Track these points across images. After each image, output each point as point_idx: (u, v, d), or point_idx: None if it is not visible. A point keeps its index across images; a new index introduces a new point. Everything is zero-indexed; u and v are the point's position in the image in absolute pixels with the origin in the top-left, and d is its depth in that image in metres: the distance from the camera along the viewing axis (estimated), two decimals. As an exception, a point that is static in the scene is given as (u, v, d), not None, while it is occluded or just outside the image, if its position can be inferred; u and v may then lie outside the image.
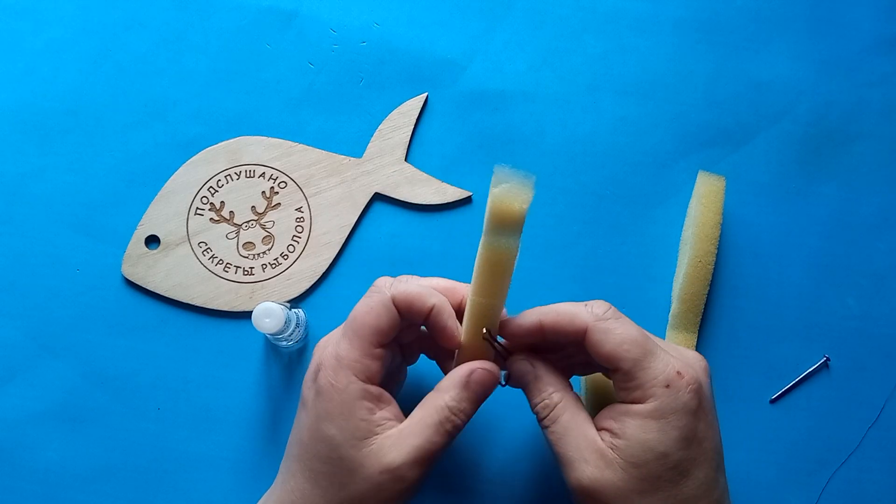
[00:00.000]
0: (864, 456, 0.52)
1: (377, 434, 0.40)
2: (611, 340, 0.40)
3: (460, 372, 0.42)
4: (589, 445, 0.40)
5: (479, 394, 0.42)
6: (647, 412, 0.39)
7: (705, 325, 0.53)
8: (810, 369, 0.53)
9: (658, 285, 0.54)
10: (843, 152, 0.56)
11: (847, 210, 0.55)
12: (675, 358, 0.40)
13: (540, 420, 0.42)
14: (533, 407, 0.42)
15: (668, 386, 0.39)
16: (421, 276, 0.45)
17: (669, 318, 0.52)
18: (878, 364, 0.53)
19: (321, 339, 0.44)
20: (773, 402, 0.53)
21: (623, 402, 0.40)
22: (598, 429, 0.41)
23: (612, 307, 0.42)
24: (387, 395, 0.42)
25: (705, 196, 0.52)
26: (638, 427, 0.39)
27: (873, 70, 0.56)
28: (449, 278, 0.45)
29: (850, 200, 0.55)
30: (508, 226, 0.40)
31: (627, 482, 0.39)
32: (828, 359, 0.53)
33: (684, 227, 0.54)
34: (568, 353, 0.45)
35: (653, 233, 0.55)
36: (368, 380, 0.41)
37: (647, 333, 0.41)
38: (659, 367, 0.39)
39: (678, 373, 0.39)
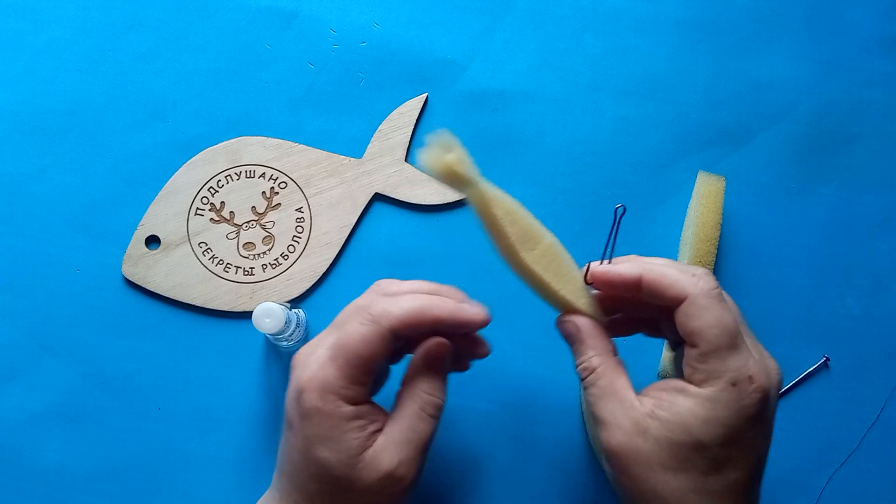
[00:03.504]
0: (864, 456, 0.52)
1: (368, 447, 0.40)
2: (704, 319, 0.38)
3: (416, 356, 0.42)
4: (624, 411, 0.39)
5: (440, 367, 0.42)
6: (703, 398, 0.38)
7: (705, 325, 0.53)
8: (810, 369, 0.53)
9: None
10: (843, 152, 0.56)
11: (847, 210, 0.55)
12: (755, 361, 0.39)
13: (581, 381, 0.42)
14: (576, 367, 0.42)
15: (734, 384, 0.38)
16: (421, 276, 0.44)
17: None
18: (878, 364, 0.53)
19: (300, 351, 0.43)
20: (773, 402, 0.53)
21: (685, 378, 0.39)
22: (647, 396, 0.40)
23: (718, 285, 0.40)
24: (373, 406, 0.42)
25: (705, 196, 0.52)
26: (687, 408, 0.38)
27: (873, 70, 0.56)
28: (445, 279, 0.45)
29: (850, 200, 0.55)
30: (454, 180, 0.41)
31: (656, 454, 0.38)
32: (828, 359, 0.53)
33: (684, 228, 0.54)
34: (643, 310, 0.43)
35: (653, 233, 0.55)
36: (356, 402, 0.40)
37: (742, 325, 0.40)
38: (736, 364, 0.38)
39: (750, 377, 0.38)
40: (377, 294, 0.43)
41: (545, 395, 0.53)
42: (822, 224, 0.55)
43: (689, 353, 0.39)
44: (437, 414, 0.42)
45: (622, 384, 0.40)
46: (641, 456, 0.38)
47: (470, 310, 0.42)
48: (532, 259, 0.42)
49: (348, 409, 0.40)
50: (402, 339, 0.41)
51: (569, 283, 0.42)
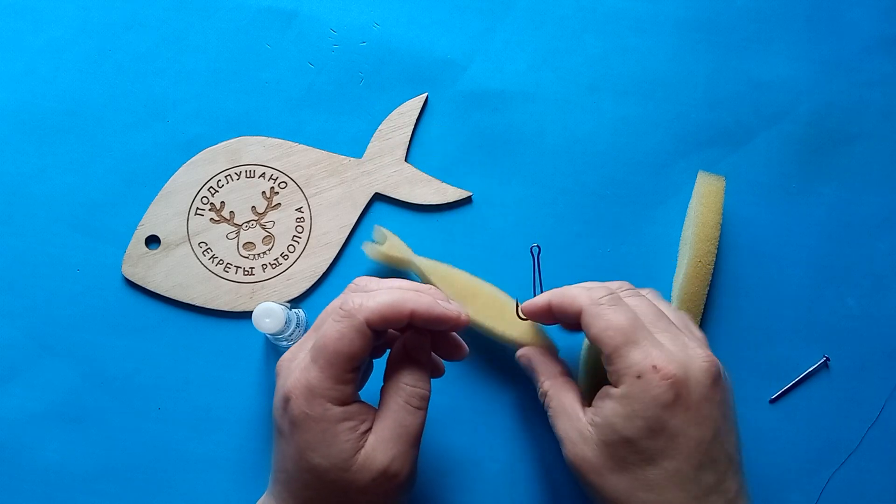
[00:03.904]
0: (864, 456, 0.52)
1: (360, 448, 0.40)
2: (597, 325, 0.42)
3: (395, 349, 0.43)
4: (573, 426, 0.43)
5: (420, 357, 0.43)
6: (618, 396, 0.41)
7: (705, 325, 0.53)
8: (810, 369, 0.53)
9: (658, 285, 0.54)
10: (843, 152, 0.56)
11: (847, 210, 0.55)
12: (660, 351, 0.41)
13: (543, 404, 0.46)
14: (538, 391, 0.47)
15: (639, 377, 0.40)
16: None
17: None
18: (878, 364, 0.53)
19: (283, 358, 0.43)
20: (772, 402, 0.53)
21: (610, 379, 0.42)
22: (591, 406, 0.43)
23: (618, 292, 0.44)
24: (361, 405, 0.41)
25: (705, 196, 0.52)
26: (611, 409, 0.41)
27: (873, 70, 0.56)
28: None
29: (850, 200, 0.55)
30: (395, 263, 0.53)
31: (599, 458, 0.41)
32: (828, 359, 0.53)
33: (684, 227, 0.54)
34: (574, 329, 0.47)
35: (653, 233, 0.55)
36: (343, 402, 0.40)
37: (642, 324, 0.42)
38: (635, 358, 0.41)
39: (654, 366, 0.40)
40: (352, 292, 0.43)
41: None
42: (822, 224, 0.55)
43: (602, 358, 0.43)
44: (423, 405, 0.42)
45: (570, 400, 0.44)
46: (589, 463, 0.42)
47: (447, 305, 0.43)
48: (472, 312, 0.50)
49: (336, 410, 0.40)
50: (381, 334, 0.42)
51: (512, 322, 0.50)
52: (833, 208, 0.55)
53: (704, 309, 0.53)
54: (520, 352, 0.49)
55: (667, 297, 0.54)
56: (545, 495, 0.52)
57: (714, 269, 0.52)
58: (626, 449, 0.40)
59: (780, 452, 0.52)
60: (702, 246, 0.51)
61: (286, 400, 0.40)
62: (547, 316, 0.46)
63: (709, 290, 0.52)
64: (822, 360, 0.53)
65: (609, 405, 0.41)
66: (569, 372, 0.47)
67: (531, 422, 0.53)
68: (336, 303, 0.42)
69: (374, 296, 0.41)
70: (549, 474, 0.52)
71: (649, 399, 0.40)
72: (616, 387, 0.41)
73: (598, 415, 0.42)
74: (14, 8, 0.57)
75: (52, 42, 0.56)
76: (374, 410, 0.42)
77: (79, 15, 0.57)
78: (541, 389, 0.46)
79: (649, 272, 0.54)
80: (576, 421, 0.43)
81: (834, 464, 0.52)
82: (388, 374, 0.43)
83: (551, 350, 0.49)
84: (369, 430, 0.41)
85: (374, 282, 0.43)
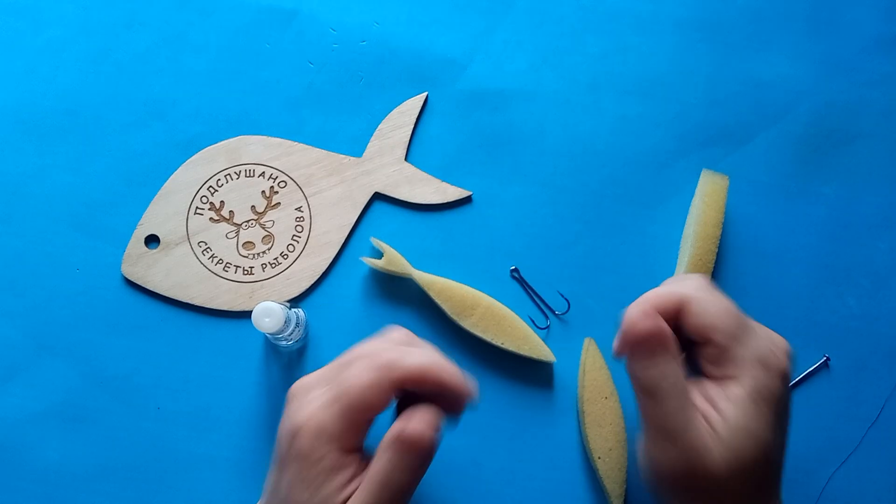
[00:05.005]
0: (864, 456, 0.52)
1: (347, 499, 0.38)
2: (709, 312, 0.38)
3: (393, 430, 0.38)
4: (693, 430, 0.38)
5: (411, 459, 0.38)
6: (747, 395, 0.37)
7: (705, 325, 0.53)
8: (810, 369, 0.53)
9: (658, 284, 0.54)
10: (843, 152, 0.56)
11: (847, 210, 0.55)
12: (763, 338, 0.39)
13: (647, 393, 0.39)
14: (642, 376, 0.40)
15: (762, 364, 0.37)
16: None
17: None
18: (878, 364, 0.53)
19: (298, 385, 0.41)
20: (773, 401, 0.53)
21: (713, 378, 0.38)
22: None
23: (704, 277, 0.41)
24: (362, 457, 0.39)
25: (708, 195, 0.52)
26: (738, 411, 0.37)
27: (873, 70, 0.56)
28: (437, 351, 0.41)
29: (850, 200, 0.55)
30: (394, 273, 0.53)
31: (723, 468, 0.37)
32: (828, 359, 0.53)
33: (686, 226, 0.54)
34: None
35: (653, 232, 0.55)
36: (349, 450, 0.38)
37: (740, 309, 0.40)
38: (754, 344, 0.38)
39: (771, 352, 0.38)
40: (388, 341, 0.41)
41: (545, 395, 0.53)
42: (822, 224, 0.55)
43: (706, 353, 0.39)
44: (409, 487, 0.39)
45: (690, 402, 0.39)
46: (710, 474, 0.38)
47: (470, 385, 0.40)
48: (470, 324, 0.51)
49: (336, 458, 0.38)
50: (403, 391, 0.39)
51: (511, 335, 0.51)
52: (833, 208, 0.55)
53: (704, 309, 0.53)
54: (637, 316, 0.40)
55: (667, 296, 0.54)
56: (545, 495, 0.52)
57: (714, 268, 0.52)
58: (755, 449, 0.37)
59: (780, 452, 0.52)
60: (703, 244, 0.51)
61: (295, 433, 0.38)
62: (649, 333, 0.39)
63: (709, 290, 0.52)
64: (822, 360, 0.53)
65: (736, 408, 0.37)
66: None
67: (531, 422, 0.53)
68: (369, 348, 0.40)
69: (411, 353, 0.39)
70: (549, 474, 0.52)
71: (775, 389, 0.37)
72: (735, 379, 0.37)
73: (722, 421, 0.37)
74: (14, 8, 0.57)
75: (52, 42, 0.56)
76: (365, 463, 0.39)
77: (79, 15, 0.57)
78: (654, 375, 0.39)
79: (649, 272, 0.54)
80: (698, 426, 0.38)
81: (834, 464, 0.52)
82: (380, 445, 0.39)
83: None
84: (356, 487, 0.38)
85: (410, 336, 0.41)
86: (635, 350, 0.40)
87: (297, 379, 0.41)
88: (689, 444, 0.37)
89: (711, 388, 0.38)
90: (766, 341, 0.38)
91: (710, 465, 0.37)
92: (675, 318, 0.40)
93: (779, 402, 0.38)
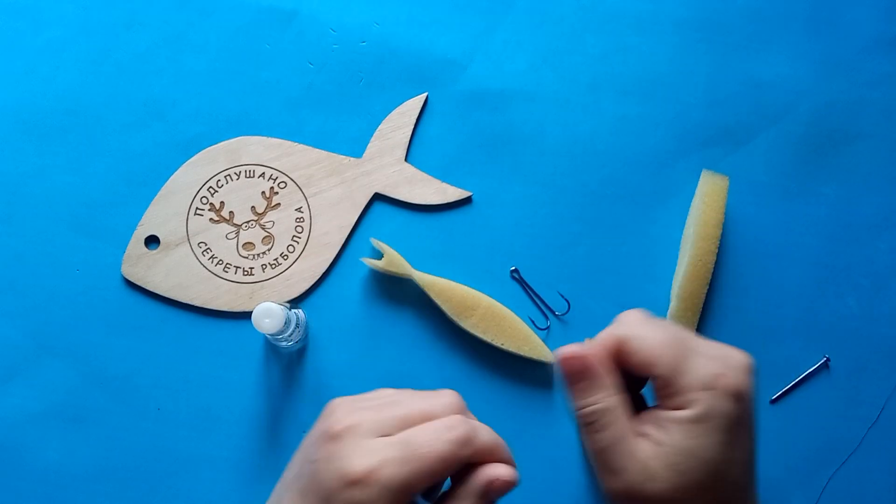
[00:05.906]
0: (864, 456, 0.52)
1: None
2: (646, 346, 0.39)
3: (479, 479, 0.38)
4: (633, 457, 0.38)
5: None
6: (692, 418, 0.38)
7: (705, 325, 0.53)
8: (810, 369, 0.53)
9: (658, 285, 0.54)
10: (843, 152, 0.56)
11: (847, 210, 0.55)
12: (713, 359, 0.39)
13: (585, 425, 0.40)
14: (578, 409, 0.40)
15: (708, 389, 0.37)
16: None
17: (668, 317, 0.52)
18: (878, 364, 0.53)
19: (351, 418, 0.38)
20: (773, 402, 0.53)
21: (664, 408, 0.39)
22: (636, 435, 0.39)
23: (643, 312, 0.41)
24: None
25: (708, 195, 0.52)
26: (683, 434, 0.38)
27: (873, 70, 0.56)
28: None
29: (850, 200, 0.55)
30: (395, 274, 0.53)
31: (668, 490, 0.38)
32: (828, 359, 0.53)
33: (686, 226, 0.54)
34: None
35: (653, 233, 0.55)
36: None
37: (685, 334, 0.40)
38: (699, 370, 0.38)
39: (715, 374, 0.38)
40: (445, 407, 0.39)
41: (545, 395, 0.53)
42: (822, 224, 0.55)
43: (654, 385, 0.39)
44: None
45: (628, 427, 0.39)
46: (657, 496, 0.38)
47: (515, 472, 0.39)
48: (470, 325, 0.52)
49: None
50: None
51: (511, 335, 0.52)
52: (833, 208, 0.55)
53: (704, 308, 0.53)
54: (566, 353, 0.40)
55: (666, 295, 0.54)
56: (545, 495, 0.52)
57: (714, 268, 0.52)
58: (702, 472, 0.37)
59: (780, 452, 0.52)
60: (703, 244, 0.51)
61: (351, 481, 0.36)
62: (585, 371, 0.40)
63: (709, 290, 0.52)
64: (822, 360, 0.53)
65: (679, 430, 0.38)
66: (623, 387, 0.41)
67: (531, 422, 0.53)
68: (430, 406, 0.39)
69: (482, 432, 0.38)
70: (549, 474, 0.52)
71: (723, 411, 0.37)
72: (681, 408, 0.38)
73: (664, 444, 0.38)
74: (14, 8, 0.57)
75: (52, 42, 0.56)
76: None
77: (79, 15, 0.57)
78: (589, 407, 0.40)
79: (649, 272, 0.54)
80: (637, 452, 0.38)
81: (834, 464, 0.52)
82: (458, 494, 0.38)
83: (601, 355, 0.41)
84: None
85: (461, 402, 0.41)
86: (569, 386, 0.41)
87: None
88: (630, 477, 0.38)
89: (662, 413, 0.39)
90: (714, 363, 0.38)
91: (655, 490, 0.38)
92: (618, 358, 0.40)
93: (732, 421, 0.38)
